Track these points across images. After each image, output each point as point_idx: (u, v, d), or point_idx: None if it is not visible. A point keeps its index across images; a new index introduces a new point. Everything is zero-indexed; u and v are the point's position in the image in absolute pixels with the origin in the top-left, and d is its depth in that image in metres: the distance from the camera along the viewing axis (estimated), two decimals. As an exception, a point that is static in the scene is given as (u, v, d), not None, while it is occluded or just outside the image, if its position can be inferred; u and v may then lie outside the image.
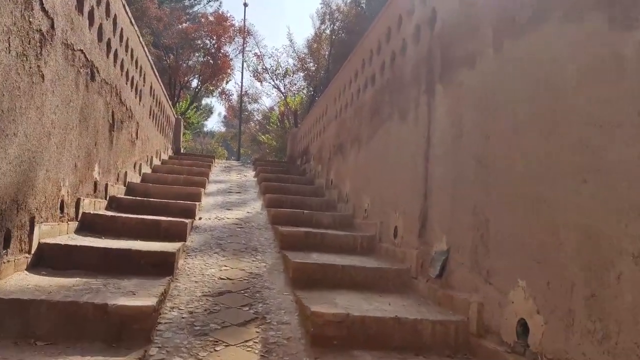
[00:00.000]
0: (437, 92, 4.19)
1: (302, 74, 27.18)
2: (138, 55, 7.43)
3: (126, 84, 6.83)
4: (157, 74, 9.44)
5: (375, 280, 4.24)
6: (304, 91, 30.89)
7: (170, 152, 12.41)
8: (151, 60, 8.63)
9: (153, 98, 9.36)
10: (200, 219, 6.57)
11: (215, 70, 21.64)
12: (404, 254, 4.55)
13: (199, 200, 7.54)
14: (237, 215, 7.04)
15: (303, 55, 25.99)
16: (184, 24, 22.55)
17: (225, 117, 43.97)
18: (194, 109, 27.12)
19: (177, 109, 25.48)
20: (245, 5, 27.73)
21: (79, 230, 4.72)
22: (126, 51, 6.69)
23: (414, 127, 4.67)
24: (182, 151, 13.80)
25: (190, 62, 23.44)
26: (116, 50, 6.03)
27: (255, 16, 67.13)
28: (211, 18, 23.01)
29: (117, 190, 6.67)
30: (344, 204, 7.37)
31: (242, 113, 36.73)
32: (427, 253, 4.02)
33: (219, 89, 24.49)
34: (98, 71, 5.35)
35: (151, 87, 8.96)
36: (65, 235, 4.39)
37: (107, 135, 5.96)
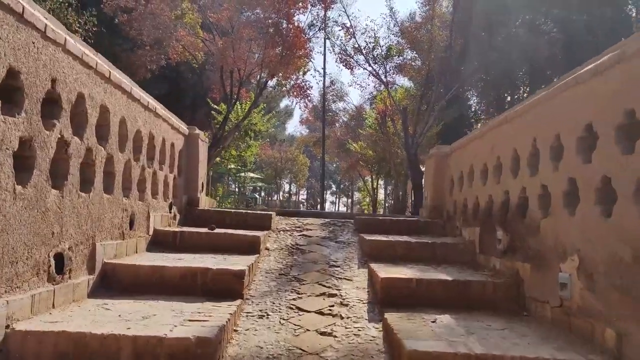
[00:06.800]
0: None
1: (407, 56, 19.16)
2: None
3: None
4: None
5: None
6: (405, 80, 22.88)
7: (160, 224, 5.20)
8: None
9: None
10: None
11: (285, 51, 14.35)
12: None
13: None
14: None
15: (413, 26, 17.89)
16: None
17: (304, 119, 36.93)
18: (260, 112, 20.18)
19: (236, 113, 18.69)
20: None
21: None
22: None
23: None
24: (201, 205, 6.54)
25: (255, 53, 16.30)
26: None
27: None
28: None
29: None
30: None
31: (326, 113, 29.48)
32: None
33: (293, 81, 17.12)
34: None
35: None
36: None
37: None
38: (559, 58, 20.23)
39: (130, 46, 16.17)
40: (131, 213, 4.42)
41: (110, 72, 3.81)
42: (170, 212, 5.66)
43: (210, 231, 5.20)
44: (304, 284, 4.30)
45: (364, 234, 5.73)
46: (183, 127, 6.16)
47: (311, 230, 6.24)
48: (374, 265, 4.53)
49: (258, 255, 4.89)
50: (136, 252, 4.51)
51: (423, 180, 7.33)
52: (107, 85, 3.82)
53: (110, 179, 4.01)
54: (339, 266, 4.82)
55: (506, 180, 4.40)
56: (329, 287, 4.22)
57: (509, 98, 24.70)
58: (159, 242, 4.98)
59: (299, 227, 6.29)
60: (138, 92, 4.45)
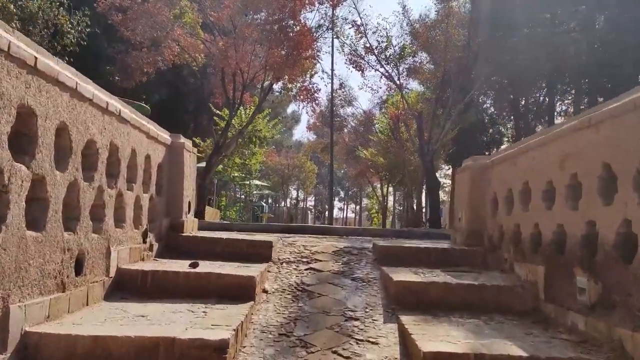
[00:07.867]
0: None
1: (420, 58, 18.00)
2: None
3: None
4: None
5: None
6: (416, 84, 21.69)
7: (128, 260, 4.05)
8: None
9: None
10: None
11: (291, 51, 13.22)
12: None
13: None
14: None
15: (428, 25, 16.71)
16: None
17: (311, 124, 35.74)
18: (265, 117, 19.03)
19: (240, 119, 17.60)
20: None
21: None
22: None
23: None
24: (187, 230, 5.37)
25: (259, 56, 15.12)
26: None
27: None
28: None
29: None
30: None
31: (334, 119, 28.32)
32: None
33: (300, 84, 15.90)
34: None
35: None
36: None
37: None
38: (582, 59, 18.92)
39: (126, 48, 15.16)
40: (78, 252, 3.27)
41: (36, 58, 2.67)
42: (144, 242, 4.51)
43: (191, 269, 4.04)
44: (312, 352, 3.11)
45: (387, 268, 4.56)
46: (164, 135, 5.02)
47: (321, 261, 5.05)
48: (406, 322, 3.35)
49: (252, 302, 3.72)
50: (87, 305, 3.35)
51: (453, 195, 6.18)
52: (32, 77, 2.68)
53: (41, 209, 2.86)
54: (358, 319, 3.63)
55: (590, 206, 3.19)
56: (346, 358, 3.03)
57: (523, 101, 23.40)
58: (125, 285, 3.83)
59: (305, 258, 5.11)
60: (90, 89, 3.31)
